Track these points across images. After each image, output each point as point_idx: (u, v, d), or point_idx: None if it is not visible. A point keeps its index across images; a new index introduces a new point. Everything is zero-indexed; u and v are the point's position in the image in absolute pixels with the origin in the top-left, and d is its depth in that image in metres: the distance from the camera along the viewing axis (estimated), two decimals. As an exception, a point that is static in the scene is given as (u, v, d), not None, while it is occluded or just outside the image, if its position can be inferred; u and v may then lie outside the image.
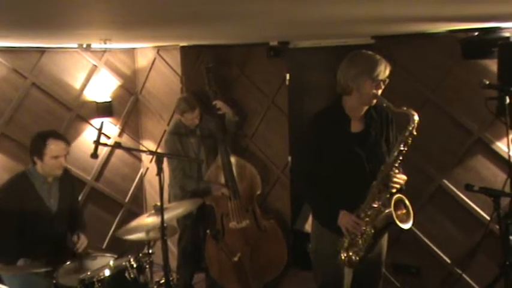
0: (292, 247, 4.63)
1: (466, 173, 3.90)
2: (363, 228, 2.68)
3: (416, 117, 2.64)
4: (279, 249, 4.39)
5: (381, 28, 3.60)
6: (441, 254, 4.18)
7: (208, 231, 4.33)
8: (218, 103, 4.39)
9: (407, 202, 2.65)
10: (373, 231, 2.67)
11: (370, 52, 2.80)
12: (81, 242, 3.53)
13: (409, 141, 2.66)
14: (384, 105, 2.69)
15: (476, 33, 3.65)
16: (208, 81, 4.45)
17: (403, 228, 2.59)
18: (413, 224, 4.15)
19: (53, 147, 3.35)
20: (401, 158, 2.67)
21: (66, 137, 3.58)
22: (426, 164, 4.14)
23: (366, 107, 2.82)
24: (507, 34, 3.54)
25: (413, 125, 2.63)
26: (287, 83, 4.85)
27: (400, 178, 2.69)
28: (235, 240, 4.28)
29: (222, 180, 4.31)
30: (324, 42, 4.53)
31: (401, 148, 2.65)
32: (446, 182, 4.07)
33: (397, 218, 2.59)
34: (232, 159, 4.36)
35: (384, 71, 2.69)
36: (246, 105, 5.11)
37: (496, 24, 3.47)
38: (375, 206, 2.67)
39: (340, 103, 2.83)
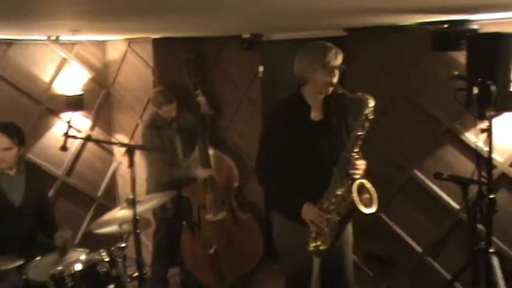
0: (268, 239, 4.64)
1: (436, 163, 3.96)
2: (327, 217, 2.67)
3: (371, 102, 2.64)
4: (254, 242, 4.39)
5: (353, 20, 3.63)
6: (412, 243, 4.25)
7: (184, 222, 4.32)
8: (200, 94, 4.39)
9: (370, 186, 2.65)
10: (338, 218, 2.66)
11: (321, 42, 2.82)
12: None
13: (366, 125, 2.66)
14: (340, 91, 2.72)
15: (445, 26, 3.71)
16: (188, 73, 4.41)
17: (366, 213, 2.57)
18: (384, 214, 4.29)
19: None
20: (359, 143, 2.67)
21: (19, 132, 3.43)
22: (397, 155, 4.20)
23: (324, 96, 2.84)
24: (475, 26, 3.60)
25: (368, 109, 2.63)
26: (260, 75, 4.85)
27: (361, 163, 2.69)
28: (211, 233, 4.27)
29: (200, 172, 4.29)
30: (297, 34, 4.54)
31: (359, 133, 2.66)
32: (417, 172, 4.13)
33: (361, 203, 2.58)
34: (211, 152, 4.34)
35: (334, 57, 2.72)
36: (220, 97, 5.10)
37: (464, 17, 3.52)
38: (339, 193, 2.67)
39: (299, 93, 2.86)
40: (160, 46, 4.87)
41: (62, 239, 3.36)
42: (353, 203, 2.55)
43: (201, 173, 4.22)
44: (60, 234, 3.41)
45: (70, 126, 3.31)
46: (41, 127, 4.76)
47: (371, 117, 2.65)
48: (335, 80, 2.75)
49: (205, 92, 4.63)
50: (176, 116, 4.38)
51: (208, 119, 4.56)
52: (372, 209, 2.61)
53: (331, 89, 2.76)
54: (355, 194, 2.56)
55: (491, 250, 3.15)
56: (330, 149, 2.77)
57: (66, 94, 4.90)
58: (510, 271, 3.33)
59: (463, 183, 2.94)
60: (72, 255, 3.29)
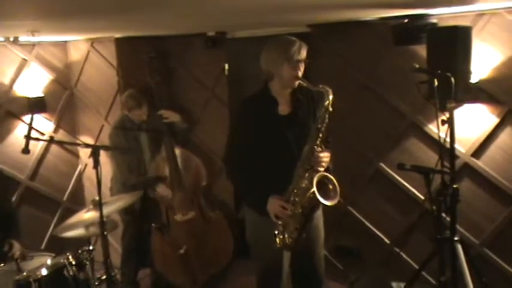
0: (238, 237, 4.64)
1: (401, 156, 4.03)
2: (292, 210, 2.69)
3: (331, 94, 2.67)
4: (225, 240, 4.38)
5: (316, 16, 3.65)
6: (380, 235, 4.32)
7: (153, 224, 4.27)
8: (165, 113, 4.30)
9: (332, 179, 2.66)
10: (300, 211, 2.68)
11: (286, 36, 2.84)
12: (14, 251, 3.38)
13: (326, 118, 2.69)
14: (305, 85, 2.74)
15: (406, 21, 3.78)
16: (150, 72, 4.35)
17: (327, 205, 2.60)
18: (353, 207, 4.34)
19: None
20: (321, 135, 2.69)
21: None
22: (364, 148, 4.27)
23: (291, 90, 2.85)
24: (434, 20, 3.68)
25: (328, 101, 2.67)
26: (226, 73, 4.84)
27: (324, 156, 2.71)
28: (181, 233, 4.24)
29: (166, 172, 4.25)
30: (261, 31, 4.55)
31: (319, 126, 2.68)
32: (383, 165, 4.20)
33: (325, 195, 2.60)
34: (177, 151, 4.30)
35: (298, 51, 2.74)
36: (186, 96, 5.06)
37: (424, 11, 3.60)
38: (302, 186, 2.68)
39: (267, 88, 2.87)
40: (124, 45, 4.80)
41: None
42: (314, 196, 2.57)
43: (161, 190, 4.18)
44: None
45: (32, 128, 3.21)
46: (1, 130, 4.64)
47: (331, 109, 2.68)
48: (300, 73, 2.77)
49: (176, 107, 4.57)
50: (147, 119, 4.32)
51: (182, 133, 4.51)
52: (334, 201, 2.63)
53: (297, 82, 2.78)
54: (315, 187, 2.57)
55: (455, 238, 3.24)
56: (297, 142, 2.78)
57: (28, 96, 4.79)
58: (474, 258, 3.43)
59: (425, 172, 3.00)
60: (37, 260, 3.21)
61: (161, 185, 4.20)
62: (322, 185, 2.63)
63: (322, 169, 2.68)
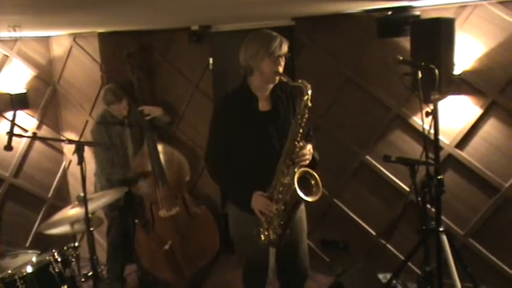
0: (224, 232, 4.64)
1: (387, 148, 4.06)
2: (275, 207, 2.67)
3: (309, 89, 2.63)
4: (210, 235, 4.37)
5: (299, 8, 3.65)
6: (366, 227, 4.35)
7: (136, 220, 4.25)
8: (145, 108, 4.25)
9: (314, 174, 2.65)
10: (283, 207, 2.66)
11: (266, 30, 2.78)
12: None
13: (306, 113, 2.65)
14: (285, 80, 2.70)
15: (389, 13, 3.79)
16: (131, 68, 4.31)
17: (308, 200, 2.58)
18: (338, 199, 4.36)
19: None
20: (301, 130, 2.66)
21: None
22: (349, 141, 4.28)
23: (271, 85, 2.81)
24: (417, 12, 3.70)
25: (307, 96, 2.62)
26: (211, 67, 4.83)
27: (306, 151, 2.68)
28: (165, 229, 4.22)
29: (149, 167, 4.23)
30: (245, 25, 4.53)
31: (299, 121, 2.65)
32: (368, 157, 4.22)
33: (307, 190, 2.59)
34: (159, 147, 4.28)
35: (279, 46, 2.68)
36: (171, 91, 5.04)
37: (407, 3, 3.61)
38: (285, 181, 2.65)
39: (246, 84, 2.82)
40: (107, 40, 4.75)
41: None
42: (295, 191, 2.56)
43: (141, 185, 4.16)
44: None
45: (14, 124, 3.16)
46: (-17, 128, 4.57)
47: (310, 104, 2.63)
48: (281, 68, 2.72)
49: (158, 101, 4.50)
50: (127, 113, 4.29)
51: (164, 126, 4.49)
52: (316, 197, 2.61)
53: (277, 78, 2.74)
54: (296, 183, 2.55)
55: (441, 229, 3.27)
56: (279, 138, 2.75)
57: (10, 92, 4.72)
58: (459, 248, 3.46)
59: (410, 164, 3.02)
60: (22, 257, 3.18)
61: (142, 181, 4.17)
62: (304, 180, 2.61)
63: (304, 164, 2.66)
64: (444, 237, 3.24)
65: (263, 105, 2.83)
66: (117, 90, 4.21)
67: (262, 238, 2.75)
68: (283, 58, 2.73)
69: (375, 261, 4.19)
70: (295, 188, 2.56)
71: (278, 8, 3.46)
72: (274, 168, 2.69)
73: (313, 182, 2.64)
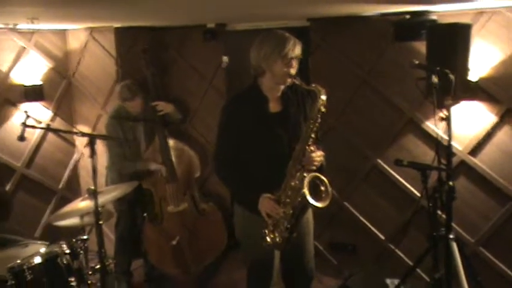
0: (233, 229, 4.63)
1: (399, 152, 4.03)
2: (282, 211, 2.64)
3: (324, 94, 2.60)
4: (218, 232, 4.37)
5: (315, 9, 3.63)
6: (376, 231, 4.32)
7: (145, 214, 4.27)
8: (159, 104, 4.29)
9: (324, 179, 2.61)
10: (291, 211, 2.63)
11: (279, 31, 2.74)
12: None
13: (319, 118, 2.62)
14: (297, 83, 2.67)
15: (407, 17, 3.77)
16: (145, 64, 4.33)
17: (318, 206, 2.55)
18: (348, 202, 4.34)
19: None
20: (313, 135, 2.63)
21: None
22: (361, 144, 4.26)
23: (282, 87, 2.78)
24: (434, 17, 3.67)
25: (321, 102, 2.60)
26: (224, 65, 4.82)
27: (317, 155, 2.65)
28: (173, 224, 4.23)
29: (160, 162, 4.24)
30: (260, 24, 4.53)
31: (311, 126, 2.62)
32: (380, 161, 4.19)
33: (316, 196, 2.56)
34: (170, 142, 4.30)
35: (292, 48, 2.65)
36: (184, 88, 5.04)
37: (424, 8, 3.58)
38: (294, 186, 2.62)
39: (256, 85, 2.79)
40: (123, 35, 4.77)
41: None
42: (304, 196, 2.53)
43: (152, 167, 4.19)
44: None
45: (28, 116, 3.19)
46: (-2, 118, 4.61)
47: (323, 110, 2.61)
48: (293, 71, 2.69)
49: (170, 98, 4.52)
50: (142, 110, 4.31)
51: (175, 121, 4.50)
52: (325, 203, 2.58)
53: (289, 80, 2.70)
54: (306, 188, 2.52)
55: (451, 236, 3.23)
56: (288, 140, 2.73)
57: (25, 84, 4.76)
58: (469, 256, 3.42)
59: (422, 169, 3.00)
60: (31, 248, 3.21)
61: (152, 165, 4.20)
62: (314, 185, 2.58)
63: (314, 168, 2.63)
64: (454, 245, 3.20)
65: (273, 107, 2.80)
66: (133, 87, 4.23)
67: (268, 240, 2.72)
68: (296, 60, 2.69)
69: (383, 266, 4.17)
70: (304, 193, 2.53)
71: (294, 8, 3.44)
72: (282, 170, 2.66)
73: (322, 188, 2.60)
